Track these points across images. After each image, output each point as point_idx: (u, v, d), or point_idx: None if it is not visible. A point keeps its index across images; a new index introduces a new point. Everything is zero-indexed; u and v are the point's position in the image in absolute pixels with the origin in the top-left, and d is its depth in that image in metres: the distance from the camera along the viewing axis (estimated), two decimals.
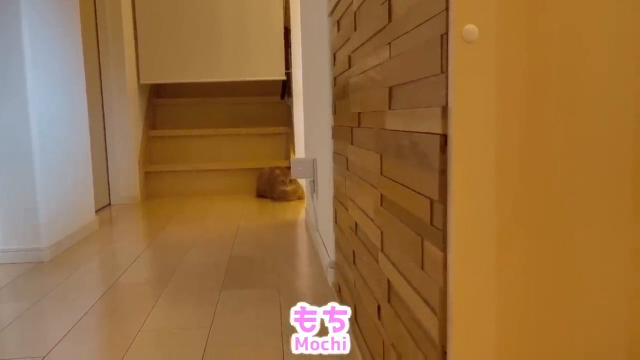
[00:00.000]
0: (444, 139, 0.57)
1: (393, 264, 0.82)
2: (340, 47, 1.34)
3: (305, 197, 2.95)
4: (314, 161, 2.10)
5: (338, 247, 1.51)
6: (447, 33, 0.55)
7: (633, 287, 0.57)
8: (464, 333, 0.57)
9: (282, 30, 3.58)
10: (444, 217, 0.58)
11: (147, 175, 3.58)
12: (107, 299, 1.61)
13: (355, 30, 1.10)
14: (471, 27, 0.54)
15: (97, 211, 3.12)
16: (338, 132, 1.42)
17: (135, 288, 1.70)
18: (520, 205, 0.56)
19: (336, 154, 1.48)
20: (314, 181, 2.17)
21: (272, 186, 3.35)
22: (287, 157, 3.76)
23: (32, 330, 1.39)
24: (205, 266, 1.92)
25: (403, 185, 0.74)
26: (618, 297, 0.57)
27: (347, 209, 1.30)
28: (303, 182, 3.31)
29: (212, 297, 1.59)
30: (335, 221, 1.55)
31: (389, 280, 0.85)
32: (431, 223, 0.62)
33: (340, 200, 1.43)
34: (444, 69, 0.57)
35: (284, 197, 3.30)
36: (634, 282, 0.57)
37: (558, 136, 0.55)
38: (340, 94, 1.36)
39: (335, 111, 1.49)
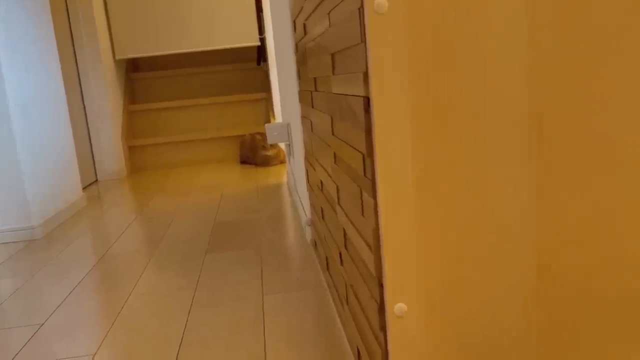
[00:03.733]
0: (367, 100, 0.66)
1: (346, 214, 0.91)
2: (297, 15, 1.40)
3: (287, 161, 3.04)
4: (287, 125, 2.17)
5: (312, 205, 1.61)
6: (362, 7, 0.63)
7: (537, 213, 0.67)
8: (394, 265, 0.66)
9: None
10: (372, 169, 0.67)
11: (131, 150, 3.64)
12: (99, 269, 1.70)
13: (305, 0, 1.17)
14: (381, 1, 0.61)
15: (84, 188, 3.19)
16: (302, 97, 1.49)
17: (125, 257, 1.80)
18: (435, 154, 0.64)
19: (303, 117, 1.56)
20: (289, 145, 2.25)
21: (254, 152, 3.43)
22: (268, 122, 3.82)
23: (30, 302, 1.48)
24: (190, 233, 2.02)
25: (346, 143, 0.82)
26: (524, 221, 0.67)
27: (314, 169, 1.39)
28: (284, 147, 3.39)
29: (197, 261, 1.69)
30: (308, 181, 1.64)
31: (344, 229, 0.95)
32: (364, 175, 0.71)
33: (309, 161, 1.52)
34: (362, 39, 0.64)
35: (266, 162, 3.38)
36: (537, 208, 0.67)
37: (463, 92, 0.63)
38: (301, 59, 1.43)
39: (299, 76, 1.56)
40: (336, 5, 0.79)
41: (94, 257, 1.83)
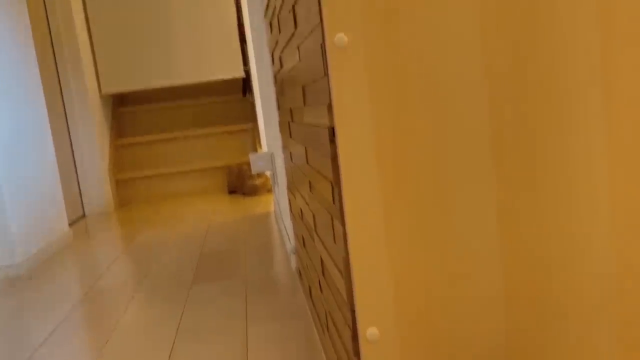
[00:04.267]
0: (332, 130, 0.68)
1: (322, 242, 0.92)
2: (274, 48, 1.44)
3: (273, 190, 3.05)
4: (271, 155, 2.20)
5: (295, 234, 1.62)
6: (323, 42, 0.65)
7: (500, 233, 0.68)
8: (364, 290, 0.68)
9: (236, 26, 3.65)
10: (340, 196, 0.68)
11: (119, 184, 3.64)
12: (84, 305, 1.69)
13: (280, 32, 1.20)
14: (341, 35, 0.64)
15: (71, 223, 3.18)
16: (282, 127, 1.52)
17: (110, 292, 1.79)
18: (400, 181, 0.66)
19: (283, 147, 1.59)
20: (274, 174, 2.27)
21: (242, 181, 3.45)
22: (255, 152, 3.85)
23: (12, 340, 1.47)
24: (177, 265, 2.02)
25: (318, 172, 0.84)
26: (489, 241, 0.68)
27: (295, 198, 1.41)
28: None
29: (183, 293, 1.69)
30: (291, 210, 1.66)
31: (321, 257, 0.96)
32: (333, 202, 0.73)
33: (291, 189, 1.54)
34: (326, 72, 0.67)
35: (254, 192, 3.39)
36: (500, 229, 0.68)
37: (424, 119, 0.66)
38: (280, 90, 1.46)
39: (279, 107, 1.59)
40: (303, 41, 0.82)
41: (79, 293, 1.82)
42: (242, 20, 3.68)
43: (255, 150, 3.86)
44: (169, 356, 1.25)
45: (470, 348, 0.70)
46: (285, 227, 2.08)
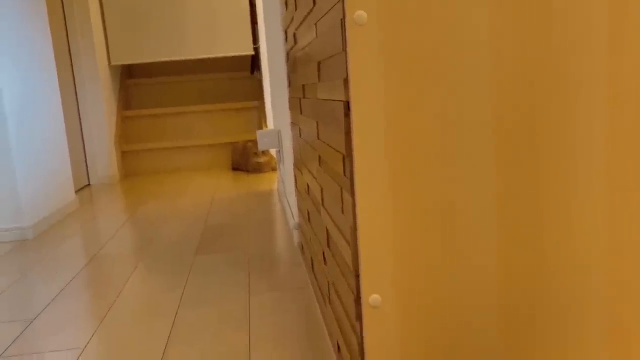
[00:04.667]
0: (347, 105, 0.71)
1: (329, 214, 0.96)
2: (288, 25, 1.46)
3: (277, 168, 3.08)
4: (278, 132, 2.22)
5: (299, 209, 1.65)
6: (343, 18, 0.68)
7: (499, 214, 0.72)
8: (369, 258, 0.71)
9: (248, 5, 3.66)
10: (351, 169, 0.72)
11: (124, 155, 3.67)
12: (90, 269, 1.74)
13: (296, 9, 1.22)
14: (361, 13, 0.67)
15: (77, 191, 3.22)
16: (292, 103, 1.54)
17: (115, 258, 1.83)
18: (409, 155, 0.69)
19: (292, 123, 1.61)
20: (280, 151, 2.30)
21: (246, 159, 3.48)
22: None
23: (20, 299, 1.51)
24: (180, 236, 2.06)
25: (329, 145, 0.87)
26: (487, 221, 0.72)
27: (302, 173, 1.44)
28: (275, 154, 3.44)
29: (186, 262, 1.73)
30: (296, 186, 1.69)
31: (327, 229, 0.99)
32: (344, 174, 0.76)
33: (297, 166, 1.57)
34: (344, 48, 0.70)
35: (258, 169, 3.42)
36: (499, 209, 0.72)
37: (435, 97, 0.69)
38: (292, 67, 1.49)
39: (289, 84, 1.61)
40: (322, 17, 0.84)
41: (85, 258, 1.86)
42: None
43: (261, 127, 3.88)
44: (173, 321, 1.29)
45: (465, 318, 0.73)
46: (289, 203, 2.11)
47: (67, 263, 1.82)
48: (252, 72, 3.99)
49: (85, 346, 1.19)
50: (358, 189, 0.70)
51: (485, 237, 0.72)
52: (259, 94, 4.00)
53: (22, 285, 1.62)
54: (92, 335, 1.24)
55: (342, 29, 0.69)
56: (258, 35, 3.64)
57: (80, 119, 3.41)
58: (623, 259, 0.74)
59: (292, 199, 1.94)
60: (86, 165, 3.46)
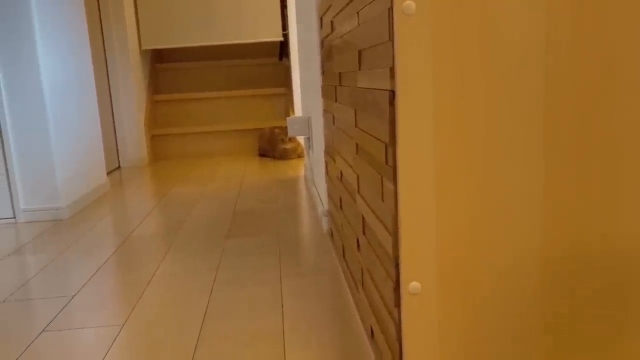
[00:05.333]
0: (392, 94, 0.71)
1: (365, 202, 0.97)
2: (325, 12, 1.46)
3: (305, 155, 3.10)
4: (308, 119, 2.23)
5: (330, 196, 1.67)
6: (391, 7, 0.69)
7: (544, 205, 0.72)
8: (410, 246, 0.72)
9: None
10: (394, 157, 0.73)
11: (154, 139, 3.73)
12: (123, 250, 1.78)
13: None
14: (410, 3, 0.67)
15: (107, 173, 3.29)
16: (326, 91, 1.55)
17: (148, 240, 1.88)
18: (454, 146, 0.70)
19: (325, 111, 1.62)
20: (309, 138, 2.31)
21: (273, 145, 3.50)
22: (287, 117, 3.89)
23: (59, 276, 1.56)
24: (211, 219, 2.09)
25: (369, 134, 0.88)
26: (532, 211, 0.72)
27: (334, 161, 1.45)
28: (302, 141, 3.45)
29: (218, 245, 1.76)
30: (327, 173, 1.71)
31: (363, 216, 1.01)
32: (386, 163, 0.77)
33: (329, 153, 1.58)
34: (390, 37, 0.70)
35: (284, 156, 3.44)
36: (545, 201, 0.72)
37: (483, 90, 0.69)
38: (327, 55, 1.49)
39: (323, 72, 1.62)
40: (366, 5, 0.85)
41: (119, 239, 1.91)
42: None
43: (287, 114, 3.90)
44: (208, 301, 1.32)
45: (505, 305, 0.74)
46: (317, 190, 2.13)
47: (102, 243, 1.86)
48: (280, 58, 4.00)
49: (124, 323, 1.23)
50: (401, 178, 0.71)
51: (529, 229, 0.72)
52: (286, 81, 4.01)
53: (60, 263, 1.68)
54: (131, 313, 1.28)
55: (389, 19, 0.70)
56: (287, 22, 3.64)
57: (112, 102, 3.47)
58: None
59: (321, 186, 1.96)
60: (117, 149, 3.53)
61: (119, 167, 3.54)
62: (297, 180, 2.76)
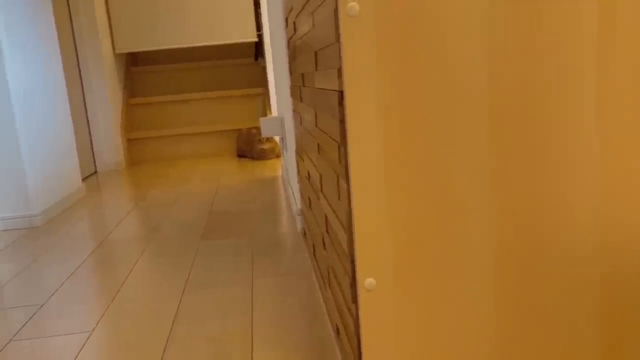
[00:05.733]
0: (341, 94, 0.73)
1: (327, 201, 0.98)
2: (289, 13, 1.47)
3: (281, 154, 3.11)
4: (282, 119, 2.24)
5: (302, 195, 1.68)
6: (336, 9, 0.70)
7: (494, 196, 0.74)
8: (364, 243, 0.73)
9: None
10: (346, 156, 0.74)
11: (130, 142, 3.70)
12: (98, 254, 1.77)
13: None
14: (353, 4, 0.68)
15: (83, 179, 3.26)
16: (293, 91, 1.56)
17: (122, 243, 1.87)
18: (402, 142, 0.72)
19: (294, 111, 1.63)
20: (283, 138, 2.32)
21: (251, 146, 3.50)
22: (261, 117, 3.89)
23: (30, 285, 1.55)
24: (186, 221, 2.09)
25: (326, 133, 0.89)
26: (482, 203, 0.74)
27: (303, 160, 1.46)
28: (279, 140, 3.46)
29: (192, 247, 1.76)
30: (298, 172, 1.71)
31: (325, 215, 1.02)
32: (340, 162, 0.78)
33: (299, 153, 1.59)
34: (337, 38, 0.71)
35: (262, 156, 3.45)
36: (494, 192, 0.74)
37: (427, 86, 0.70)
38: (292, 56, 1.50)
39: (291, 72, 1.63)
40: (318, 7, 0.86)
41: (93, 244, 1.90)
42: None
43: (265, 114, 3.90)
44: (179, 303, 1.32)
45: (461, 300, 0.76)
46: (292, 190, 2.14)
47: (75, 249, 1.85)
48: (256, 58, 4.00)
49: (94, 329, 1.23)
50: (352, 176, 0.72)
51: (481, 220, 0.74)
52: (263, 81, 4.01)
53: (31, 271, 1.66)
54: (100, 319, 1.28)
55: (335, 20, 0.71)
56: (262, 22, 3.64)
57: (86, 107, 3.44)
58: (614, 243, 0.76)
59: (295, 185, 1.97)
60: (93, 153, 3.50)
61: (96, 172, 3.51)
62: (274, 180, 2.76)
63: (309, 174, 1.32)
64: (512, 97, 0.71)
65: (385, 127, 0.71)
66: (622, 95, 0.72)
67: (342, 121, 0.73)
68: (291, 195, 2.15)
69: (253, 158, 3.50)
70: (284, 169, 2.61)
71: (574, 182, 0.74)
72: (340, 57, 0.71)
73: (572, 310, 0.77)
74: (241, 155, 3.62)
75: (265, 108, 3.90)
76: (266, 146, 3.44)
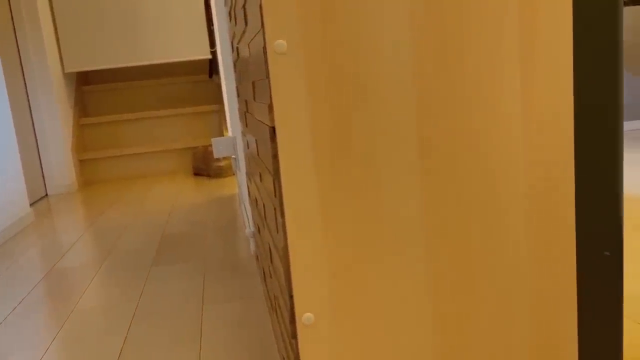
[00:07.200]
0: (273, 130, 0.72)
1: (269, 231, 0.97)
2: (233, 37, 1.47)
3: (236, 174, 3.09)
4: (234, 139, 2.23)
5: (253, 218, 1.67)
6: (265, 47, 0.70)
7: (426, 224, 0.75)
8: (301, 278, 0.73)
9: (203, 8, 3.63)
10: (280, 191, 0.73)
11: (83, 164, 3.61)
12: (45, 285, 1.72)
13: (236, 24, 1.23)
14: (281, 42, 0.68)
15: (34, 203, 3.16)
16: (240, 115, 1.55)
17: (71, 272, 1.81)
18: (336, 176, 0.72)
19: (242, 134, 1.62)
20: (236, 158, 2.30)
21: (207, 163, 3.46)
22: (221, 134, 3.86)
23: None
24: (138, 246, 2.05)
25: (264, 164, 0.89)
26: (416, 232, 0.75)
27: (252, 184, 1.45)
28: None
29: (142, 274, 1.72)
30: (249, 194, 1.70)
31: (269, 244, 1.01)
32: (275, 195, 0.78)
33: (249, 176, 1.58)
34: (267, 75, 0.71)
35: (219, 173, 3.41)
36: (426, 219, 0.75)
37: (359, 120, 0.71)
38: (239, 79, 1.49)
39: (238, 94, 1.62)
40: (252, 38, 0.86)
41: (40, 273, 1.84)
42: (210, 1, 3.65)
43: (221, 132, 3.87)
44: (125, 337, 1.29)
45: (399, 330, 0.76)
46: (246, 211, 2.12)
47: (21, 279, 1.79)
48: (210, 75, 3.97)
49: None
50: (287, 211, 0.72)
51: (415, 249, 0.75)
52: (219, 98, 3.99)
53: None
54: (44, 354, 1.23)
55: (264, 57, 0.71)
56: (215, 39, 3.62)
57: (34, 128, 3.35)
58: (544, 264, 0.78)
59: (248, 206, 1.95)
60: (43, 176, 3.40)
61: (46, 195, 3.41)
62: (230, 199, 2.74)
63: (256, 200, 1.31)
64: (440, 122, 0.72)
65: (317, 162, 0.71)
66: (545, 122, 0.75)
67: (275, 156, 0.73)
68: (245, 215, 2.13)
69: (210, 176, 3.46)
70: (239, 188, 2.59)
71: (498, 201, 0.75)
72: (270, 94, 0.71)
73: (507, 333, 0.79)
74: (197, 173, 3.57)
75: (221, 125, 3.87)
76: (223, 163, 3.41)
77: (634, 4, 2.81)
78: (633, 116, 3.66)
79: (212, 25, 3.64)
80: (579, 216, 0.78)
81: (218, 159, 3.41)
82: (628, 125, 3.64)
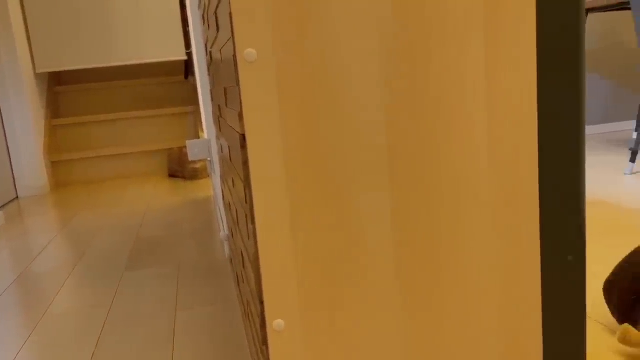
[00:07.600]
0: (244, 137, 0.73)
1: (241, 237, 0.98)
2: (207, 41, 1.46)
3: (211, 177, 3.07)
4: (209, 142, 2.22)
5: (228, 222, 1.66)
6: (235, 56, 0.70)
7: (394, 232, 0.76)
8: (271, 284, 0.74)
9: (179, 8, 3.61)
10: (250, 198, 0.74)
11: (55, 165, 3.56)
12: (14, 290, 1.69)
13: (209, 29, 1.23)
14: (251, 51, 0.69)
15: (4, 205, 3.10)
16: (214, 119, 1.55)
17: (42, 277, 1.79)
18: (307, 184, 0.72)
19: (216, 137, 1.62)
20: (211, 161, 2.29)
21: (183, 165, 3.44)
22: (197, 136, 3.84)
23: None
24: (111, 250, 2.02)
25: (236, 170, 0.89)
26: (385, 240, 0.76)
27: (226, 188, 1.45)
28: None
29: (115, 279, 1.71)
30: (223, 198, 1.70)
31: (241, 250, 1.01)
32: (246, 202, 0.78)
33: (223, 180, 1.58)
34: (237, 82, 0.71)
35: (195, 175, 3.39)
36: (394, 227, 0.76)
37: (329, 129, 0.72)
38: (212, 83, 1.49)
39: (212, 98, 1.62)
40: (224, 45, 0.86)
41: (10, 277, 1.81)
42: (185, 1, 3.63)
43: (197, 133, 3.84)
44: (97, 342, 1.28)
45: (370, 338, 0.77)
46: (220, 214, 2.11)
47: None
48: (186, 77, 3.94)
49: None
50: (257, 218, 0.72)
51: (383, 255, 0.76)
52: (194, 99, 3.96)
53: None
54: (15, 358, 1.21)
55: (235, 65, 0.71)
56: (191, 40, 3.60)
57: (5, 131, 3.28)
58: (510, 269, 0.80)
59: (222, 210, 1.95)
60: (13, 178, 3.34)
61: (17, 197, 3.35)
62: (206, 201, 2.73)
63: (230, 204, 1.31)
64: (407, 133, 0.74)
65: (288, 170, 0.71)
66: (509, 128, 0.76)
67: (246, 163, 0.73)
68: (220, 219, 2.12)
69: (185, 178, 3.44)
70: (214, 190, 2.58)
71: (466, 213, 0.77)
72: (240, 101, 0.71)
73: (475, 336, 0.80)
74: (173, 175, 3.55)
75: (197, 126, 3.84)
76: (199, 165, 3.39)
77: (602, 11, 2.89)
78: (604, 119, 3.74)
79: (188, 26, 3.62)
80: (544, 221, 0.80)
81: (193, 161, 3.39)
82: (598, 129, 3.73)
